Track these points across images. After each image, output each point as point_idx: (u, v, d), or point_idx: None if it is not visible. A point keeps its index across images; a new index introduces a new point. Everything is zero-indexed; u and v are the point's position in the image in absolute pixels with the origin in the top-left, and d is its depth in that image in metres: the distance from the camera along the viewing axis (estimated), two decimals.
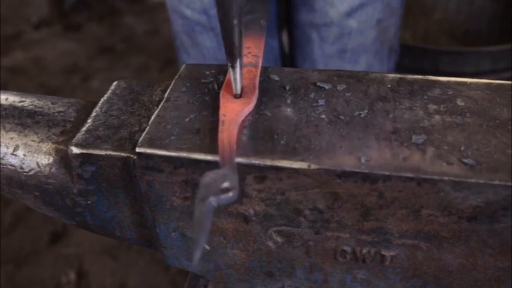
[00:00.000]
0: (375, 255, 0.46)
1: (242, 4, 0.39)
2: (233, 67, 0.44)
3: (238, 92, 0.46)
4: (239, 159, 0.42)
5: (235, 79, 0.46)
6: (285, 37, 1.80)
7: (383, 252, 0.46)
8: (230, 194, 0.36)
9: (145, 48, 2.93)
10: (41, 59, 2.96)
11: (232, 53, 0.43)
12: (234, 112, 0.45)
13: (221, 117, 0.45)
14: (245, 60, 0.51)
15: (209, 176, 0.36)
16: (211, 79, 0.51)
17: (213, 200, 0.35)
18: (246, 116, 0.46)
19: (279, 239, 0.47)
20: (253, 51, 0.52)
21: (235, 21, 0.40)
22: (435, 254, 0.45)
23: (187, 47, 1.23)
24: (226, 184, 0.36)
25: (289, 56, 1.33)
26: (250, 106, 0.47)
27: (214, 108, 0.48)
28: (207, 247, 0.49)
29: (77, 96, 2.03)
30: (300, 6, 1.15)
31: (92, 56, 2.98)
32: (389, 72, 0.51)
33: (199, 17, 1.14)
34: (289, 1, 1.19)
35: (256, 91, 0.48)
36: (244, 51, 0.52)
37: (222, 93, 0.48)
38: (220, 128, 0.43)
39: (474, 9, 2.04)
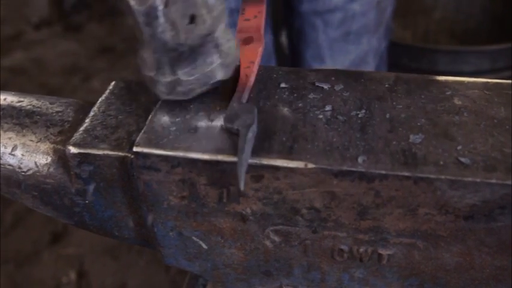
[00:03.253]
0: (372, 254, 0.46)
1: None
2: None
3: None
4: (236, 158, 0.42)
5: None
6: (283, 38, 1.80)
7: (380, 251, 0.46)
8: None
9: None
10: (41, 59, 2.96)
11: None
12: (249, 55, 0.51)
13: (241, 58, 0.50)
14: (251, 17, 0.57)
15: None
16: None
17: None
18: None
19: (277, 238, 0.47)
20: (257, 14, 0.57)
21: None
22: (432, 252, 0.45)
23: None
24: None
25: (291, 53, 1.35)
26: (261, 49, 0.52)
27: (211, 108, 0.48)
28: (205, 246, 0.49)
29: (77, 96, 2.03)
30: None
31: (92, 56, 2.97)
32: (386, 72, 0.51)
33: None
34: None
35: (263, 38, 0.54)
36: (250, 16, 0.57)
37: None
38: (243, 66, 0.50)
39: (474, 9, 2.04)
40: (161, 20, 0.40)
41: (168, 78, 0.45)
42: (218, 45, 0.45)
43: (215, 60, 0.45)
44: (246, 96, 0.48)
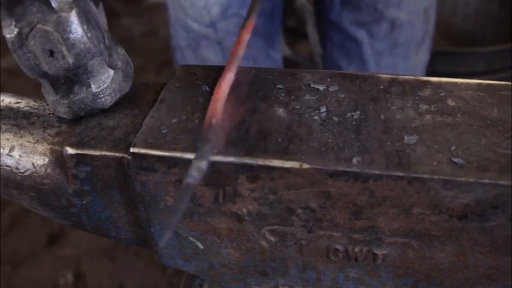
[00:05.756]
0: (367, 254, 0.47)
1: None
2: None
3: None
4: (231, 159, 0.43)
5: None
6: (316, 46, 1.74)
7: (375, 251, 0.46)
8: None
9: (142, 49, 2.92)
10: None
11: None
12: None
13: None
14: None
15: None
16: (205, 80, 0.52)
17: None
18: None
19: (272, 238, 0.48)
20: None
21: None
22: (426, 252, 0.45)
23: (188, 61, 1.19)
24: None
25: (324, 63, 1.28)
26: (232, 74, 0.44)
27: (206, 109, 0.48)
28: (201, 246, 0.50)
29: None
30: (341, 7, 1.12)
31: None
32: (381, 73, 0.52)
33: (206, 31, 1.10)
34: (324, 4, 1.16)
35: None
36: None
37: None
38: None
39: (470, 11, 2.05)
40: (24, 49, 0.46)
41: (51, 97, 0.51)
42: (92, 76, 0.50)
43: (91, 88, 0.50)
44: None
